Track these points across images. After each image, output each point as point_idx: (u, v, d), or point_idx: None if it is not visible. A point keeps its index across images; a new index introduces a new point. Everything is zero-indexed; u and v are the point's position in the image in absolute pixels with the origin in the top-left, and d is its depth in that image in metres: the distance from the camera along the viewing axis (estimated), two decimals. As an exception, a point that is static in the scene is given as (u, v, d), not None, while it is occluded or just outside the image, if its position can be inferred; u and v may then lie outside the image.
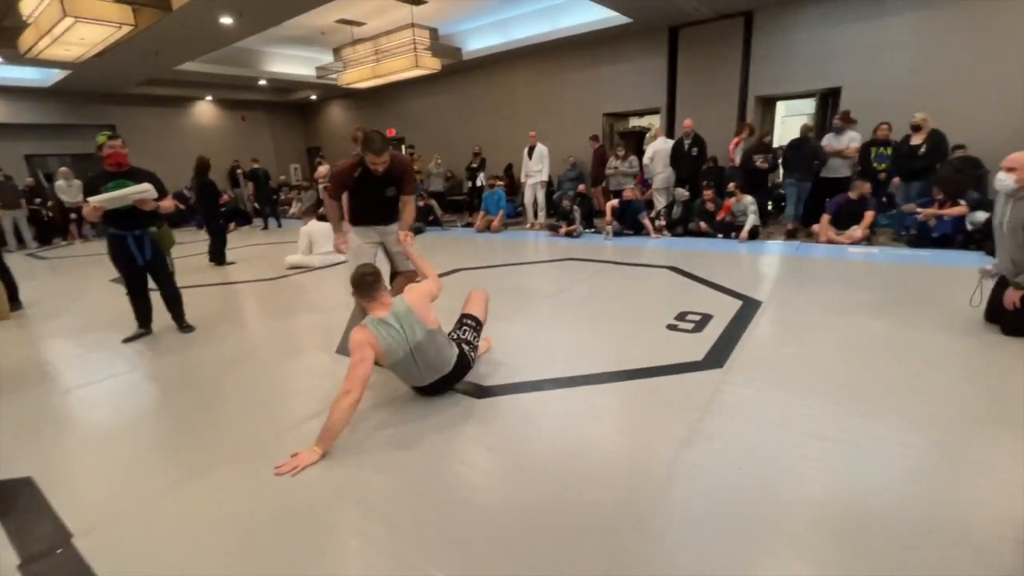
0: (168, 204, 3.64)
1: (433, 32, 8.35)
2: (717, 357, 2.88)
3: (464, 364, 2.55)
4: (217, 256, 6.70)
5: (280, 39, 10.11)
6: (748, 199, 6.28)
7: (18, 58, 6.53)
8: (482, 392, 2.61)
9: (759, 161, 6.78)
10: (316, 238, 6.19)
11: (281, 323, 4.12)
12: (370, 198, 3.02)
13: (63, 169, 10.03)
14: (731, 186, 6.35)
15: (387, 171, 2.91)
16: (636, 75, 9.06)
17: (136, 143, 12.27)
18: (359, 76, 8.95)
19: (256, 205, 12.51)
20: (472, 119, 11.55)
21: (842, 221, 5.86)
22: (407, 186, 3.07)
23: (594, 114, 9.71)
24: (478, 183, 9.58)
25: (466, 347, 2.61)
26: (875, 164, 6.26)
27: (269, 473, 2.01)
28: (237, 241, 8.88)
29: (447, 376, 2.50)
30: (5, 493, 1.98)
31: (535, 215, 8.57)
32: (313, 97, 14.25)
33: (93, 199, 3.27)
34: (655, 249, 6.28)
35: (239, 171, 13.58)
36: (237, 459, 2.14)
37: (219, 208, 6.98)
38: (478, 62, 10.40)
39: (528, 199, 8.51)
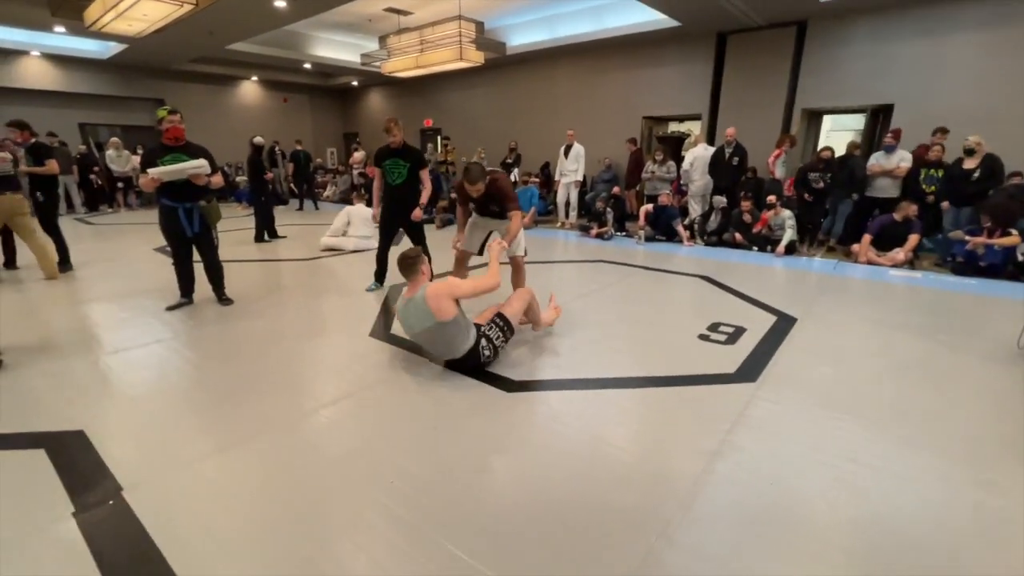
0: (218, 180, 3.76)
1: (479, 25, 8.37)
2: (750, 371, 2.84)
3: (475, 355, 2.71)
4: (259, 233, 6.91)
5: (328, 24, 10.29)
6: (786, 213, 6.14)
7: (82, 30, 6.80)
8: (511, 386, 2.64)
9: (815, 182, 6.29)
10: (355, 219, 6.33)
11: (315, 303, 4.22)
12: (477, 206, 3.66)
13: (114, 139, 10.42)
14: (771, 199, 6.22)
15: (485, 195, 3.39)
16: (679, 79, 8.93)
17: (185, 117, 12.77)
18: (402, 65, 9.04)
19: (292, 186, 12.82)
20: (510, 114, 11.56)
21: (884, 242, 5.69)
22: (509, 204, 3.45)
23: (633, 117, 9.62)
24: (512, 178, 9.59)
25: (484, 342, 2.75)
26: (924, 186, 6.05)
27: (302, 448, 2.08)
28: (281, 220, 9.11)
29: (458, 360, 2.73)
30: (60, 444, 2.09)
31: (567, 214, 8.55)
32: (355, 83, 14.45)
33: (152, 171, 3.40)
34: (687, 257, 6.21)
35: (278, 151, 13.93)
36: (272, 431, 2.22)
37: (265, 186, 7.17)
38: (521, 57, 10.40)
39: (561, 198, 8.49)
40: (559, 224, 8.60)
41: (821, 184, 6.21)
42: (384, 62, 9.33)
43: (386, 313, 3.86)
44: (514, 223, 3.41)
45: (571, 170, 8.15)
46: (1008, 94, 6.21)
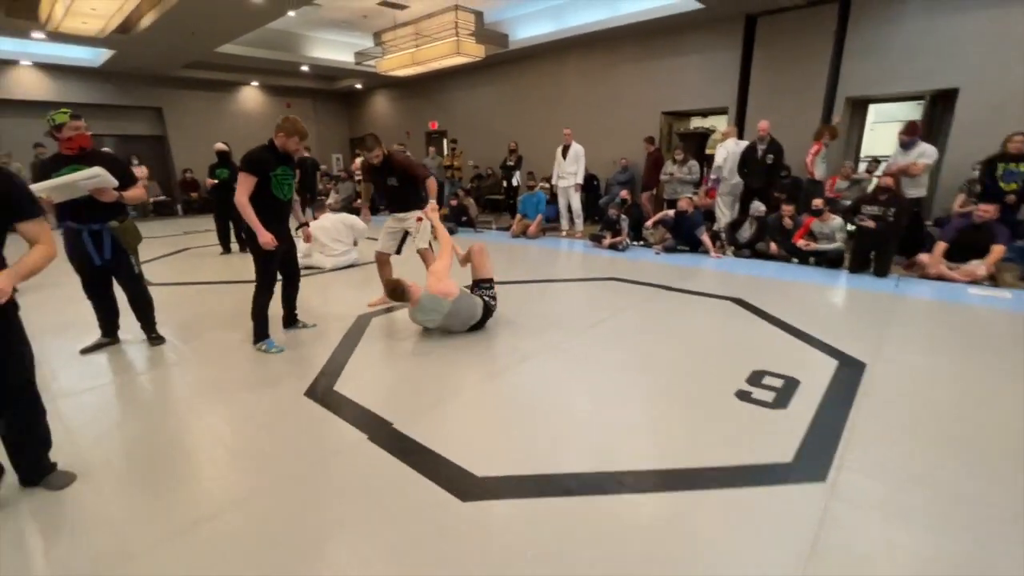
0: (135, 194, 3.07)
1: (478, 16, 7.64)
2: (815, 458, 2.00)
3: (488, 310, 3.45)
4: (224, 244, 6.46)
5: (323, 23, 9.71)
6: (837, 221, 5.21)
7: (42, 31, 6.31)
8: (469, 487, 1.85)
9: (867, 220, 4.85)
10: (322, 238, 5.59)
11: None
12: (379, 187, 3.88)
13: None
14: (817, 202, 5.29)
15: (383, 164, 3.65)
16: (703, 70, 8.03)
17: (184, 126, 12.37)
18: (398, 62, 8.37)
19: (297, 194, 12.30)
20: (516, 114, 10.78)
21: (958, 252, 4.72)
22: (414, 171, 3.80)
23: (651, 113, 8.74)
24: (514, 182, 8.81)
25: (487, 299, 3.46)
26: (1002, 183, 5.05)
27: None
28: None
29: (477, 323, 3.41)
30: None
31: (570, 222, 7.71)
32: (358, 86, 13.88)
33: (34, 187, 2.73)
34: (715, 272, 5.33)
35: (281, 158, 13.46)
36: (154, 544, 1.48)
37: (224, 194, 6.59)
38: (527, 51, 9.63)
39: (561, 204, 7.66)
40: (563, 233, 7.77)
41: (872, 224, 4.80)
42: (379, 60, 8.67)
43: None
44: (430, 187, 3.76)
45: (569, 172, 7.32)
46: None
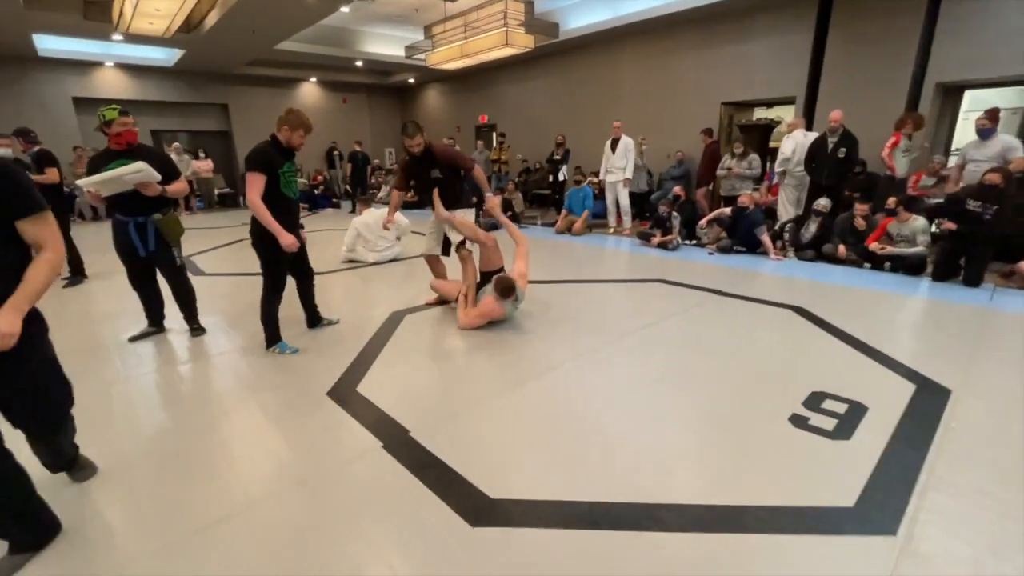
0: (177, 188, 3.15)
1: (528, 6, 7.42)
2: (883, 506, 1.71)
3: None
4: None
5: (376, 17, 9.83)
6: (919, 222, 4.64)
7: (118, 33, 6.71)
8: (481, 510, 1.71)
9: (945, 221, 4.44)
10: (366, 233, 5.62)
11: (298, 334, 3.50)
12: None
13: (175, 144, 10.64)
14: (891, 201, 4.74)
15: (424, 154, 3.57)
16: (769, 56, 7.45)
17: (247, 121, 12.97)
18: (447, 55, 8.31)
19: (348, 188, 12.63)
20: (568, 107, 10.49)
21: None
22: (461, 163, 3.74)
23: (711, 103, 8.23)
24: (560, 177, 8.57)
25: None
26: None
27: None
28: (313, 224, 8.77)
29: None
30: None
31: (618, 219, 7.40)
32: (411, 80, 14.03)
33: (81, 181, 2.84)
34: (774, 277, 4.90)
35: (336, 152, 13.83)
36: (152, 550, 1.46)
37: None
38: (579, 41, 9.32)
39: (609, 200, 7.35)
40: (610, 230, 7.46)
41: (953, 226, 4.33)
42: (429, 53, 8.65)
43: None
44: (478, 177, 3.83)
45: (618, 167, 6.99)
46: None
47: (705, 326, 3.52)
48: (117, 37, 8.42)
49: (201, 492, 1.85)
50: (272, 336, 3.12)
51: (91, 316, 3.94)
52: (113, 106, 2.97)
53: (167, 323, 3.53)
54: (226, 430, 2.29)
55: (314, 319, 3.51)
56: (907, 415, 2.27)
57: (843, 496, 1.76)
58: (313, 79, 13.56)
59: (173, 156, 10.46)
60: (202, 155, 11.28)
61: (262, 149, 2.81)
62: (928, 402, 2.39)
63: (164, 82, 11.52)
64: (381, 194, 12.59)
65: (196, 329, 3.46)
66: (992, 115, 4.78)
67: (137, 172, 2.84)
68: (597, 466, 1.96)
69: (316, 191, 12.16)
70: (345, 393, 2.57)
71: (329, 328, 3.53)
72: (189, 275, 3.42)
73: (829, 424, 2.20)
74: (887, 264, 4.87)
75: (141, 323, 3.46)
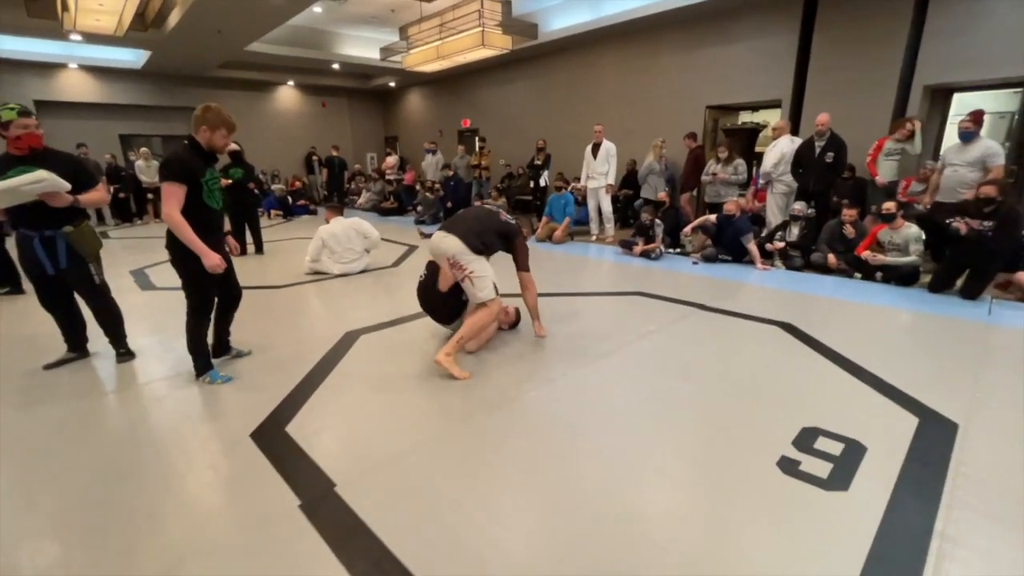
0: (93, 197, 2.78)
1: (505, 6, 7.17)
2: (891, 573, 1.41)
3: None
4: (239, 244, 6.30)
5: (351, 18, 9.54)
6: (912, 230, 4.40)
7: (72, 31, 6.34)
8: (403, 598, 1.38)
9: (957, 220, 3.99)
10: (332, 244, 5.26)
11: (244, 364, 3.14)
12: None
13: (143, 150, 10.19)
14: (888, 206, 4.49)
15: None
16: (754, 58, 7.25)
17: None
18: (423, 57, 8.03)
19: (326, 193, 12.27)
20: (549, 111, 10.25)
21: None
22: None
23: (695, 107, 8.01)
24: (542, 183, 8.29)
25: None
26: None
27: None
28: (287, 232, 8.40)
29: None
30: None
31: (600, 226, 7.14)
32: (392, 84, 13.73)
33: (-26, 191, 2.48)
34: (761, 288, 4.64)
35: (315, 157, 13.46)
36: None
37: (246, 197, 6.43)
38: (559, 44, 9.09)
39: (591, 206, 7.09)
40: (593, 238, 7.19)
41: (964, 228, 3.93)
42: (404, 55, 8.36)
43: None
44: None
45: (600, 173, 6.74)
46: None
47: (684, 346, 3.22)
48: (76, 37, 8.02)
49: (83, 555, 1.50)
50: (202, 365, 2.76)
51: (10, 338, 3.55)
52: (11, 105, 2.61)
53: (93, 347, 3.17)
54: (131, 476, 1.94)
55: (223, 348, 3.02)
56: (911, 457, 1.98)
57: (843, 566, 1.46)
58: (291, 83, 13.21)
59: (141, 163, 10.05)
60: (171, 161, 10.86)
61: (180, 155, 2.45)
62: (934, 439, 2.10)
63: (132, 85, 11.11)
64: (361, 200, 12.24)
65: (123, 354, 3.09)
66: (976, 118, 4.58)
67: (37, 182, 2.49)
68: (552, 535, 1.64)
69: (291, 199, 11.77)
70: (271, 434, 2.23)
71: (263, 355, 3.14)
72: (113, 295, 3.05)
73: (823, 469, 1.91)
74: (878, 274, 4.63)
75: (63, 347, 3.10)
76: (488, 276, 2.92)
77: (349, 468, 1.97)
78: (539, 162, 8.28)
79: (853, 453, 2.01)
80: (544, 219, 7.30)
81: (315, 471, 1.95)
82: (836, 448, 2.04)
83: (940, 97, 6.40)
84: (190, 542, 1.61)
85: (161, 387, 2.75)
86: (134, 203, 10.19)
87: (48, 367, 2.98)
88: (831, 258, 4.96)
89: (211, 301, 2.72)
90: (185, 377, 2.82)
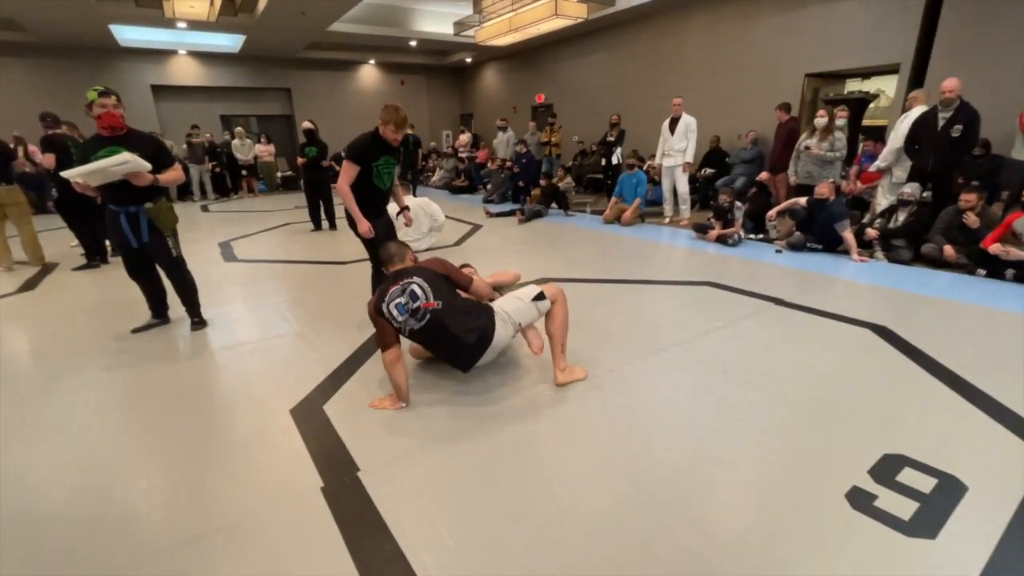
0: (170, 176, 2.98)
1: (582, -28, 6.77)
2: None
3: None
4: (315, 222, 6.83)
5: (428, -7, 9.52)
6: (1059, 219, 3.65)
7: (179, 20, 6.87)
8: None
9: None
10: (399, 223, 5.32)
11: (307, 327, 3.28)
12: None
13: (239, 129, 11.00)
14: None
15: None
16: (867, 15, 6.32)
17: (309, 104, 13.22)
18: (496, 30, 7.86)
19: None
20: (629, 84, 9.68)
21: None
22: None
23: (791, 75, 7.18)
24: (614, 160, 7.88)
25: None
26: None
27: None
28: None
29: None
30: None
31: (674, 208, 6.67)
32: (468, 60, 13.67)
33: (65, 173, 2.72)
34: (854, 283, 4.09)
35: (388, 135, 13.82)
36: None
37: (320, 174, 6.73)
38: (641, 10, 8.48)
39: (666, 186, 6.62)
40: (666, 220, 6.74)
41: None
42: (478, 29, 8.21)
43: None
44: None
45: (677, 149, 6.23)
46: None
47: (754, 347, 2.89)
48: (181, 25, 8.71)
49: (117, 536, 1.62)
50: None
51: (107, 303, 3.95)
52: (97, 87, 2.81)
53: (173, 314, 3.45)
54: (170, 447, 2.07)
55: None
56: (1027, 504, 1.62)
57: (917, 641, 1.20)
58: (371, 61, 13.56)
59: (236, 141, 10.85)
60: (263, 140, 11.62)
61: (361, 141, 2.90)
62: (1062, 485, 1.70)
63: (231, 68, 11.95)
64: (435, 178, 12.43)
65: (197, 322, 3.34)
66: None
67: (122, 164, 2.68)
68: (575, 546, 1.51)
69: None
70: (308, 411, 2.28)
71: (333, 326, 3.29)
72: (199, 265, 3.33)
73: (906, 509, 1.60)
74: (1009, 271, 3.91)
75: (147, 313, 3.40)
76: (522, 299, 2.41)
77: (375, 453, 1.95)
78: (612, 138, 7.86)
79: (948, 492, 1.68)
80: (613, 199, 6.95)
81: (342, 454, 1.96)
82: (926, 483, 1.72)
83: (1115, 55, 5.21)
84: (212, 519, 1.67)
85: (224, 356, 2.93)
86: (229, 179, 11.07)
87: (136, 331, 3.29)
88: (948, 250, 4.25)
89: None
90: (249, 347, 2.99)
